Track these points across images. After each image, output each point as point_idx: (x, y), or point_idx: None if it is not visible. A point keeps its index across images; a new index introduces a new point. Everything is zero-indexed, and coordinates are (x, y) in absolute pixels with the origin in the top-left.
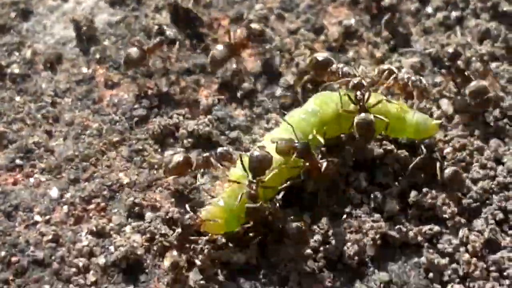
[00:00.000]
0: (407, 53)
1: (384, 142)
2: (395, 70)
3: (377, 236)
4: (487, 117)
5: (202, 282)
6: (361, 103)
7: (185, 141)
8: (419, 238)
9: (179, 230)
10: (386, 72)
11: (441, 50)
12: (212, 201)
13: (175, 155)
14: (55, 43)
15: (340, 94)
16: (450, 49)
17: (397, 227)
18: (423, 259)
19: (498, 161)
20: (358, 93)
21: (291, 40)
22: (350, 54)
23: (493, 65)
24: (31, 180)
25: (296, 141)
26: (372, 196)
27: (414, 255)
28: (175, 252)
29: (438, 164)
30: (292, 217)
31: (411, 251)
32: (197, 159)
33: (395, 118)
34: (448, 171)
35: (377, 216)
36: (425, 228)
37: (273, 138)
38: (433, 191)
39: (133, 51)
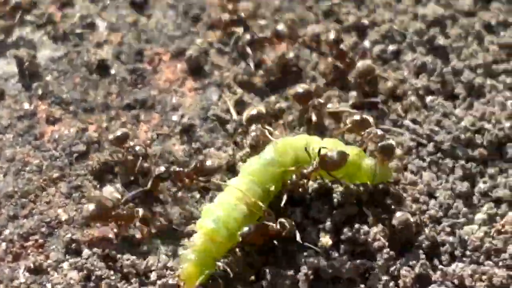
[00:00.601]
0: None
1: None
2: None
3: (310, 272)
4: (420, 151)
5: None
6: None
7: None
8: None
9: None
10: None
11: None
12: (185, 256)
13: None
14: None
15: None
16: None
17: (329, 262)
18: None
19: (431, 195)
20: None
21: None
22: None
23: (428, 99)
24: None
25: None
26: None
27: None
28: None
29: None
30: None
31: (343, 285)
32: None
33: (352, 164)
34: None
35: (310, 251)
36: (357, 262)
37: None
38: (365, 226)
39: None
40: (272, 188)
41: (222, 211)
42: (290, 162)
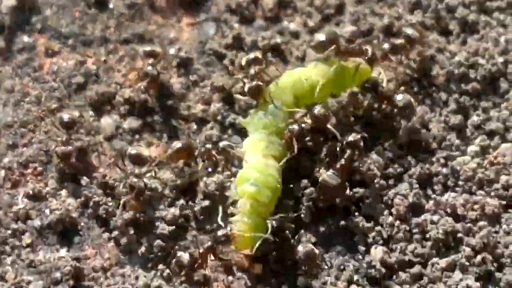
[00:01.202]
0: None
1: None
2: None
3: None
4: (414, 86)
5: None
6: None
7: (121, 108)
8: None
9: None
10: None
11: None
12: (236, 219)
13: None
14: None
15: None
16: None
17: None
18: (349, 222)
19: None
20: None
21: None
22: (285, 23)
23: None
24: None
25: None
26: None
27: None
28: None
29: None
30: None
31: (339, 214)
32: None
33: (336, 75)
34: None
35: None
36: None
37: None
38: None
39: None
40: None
41: (257, 172)
42: (290, 101)
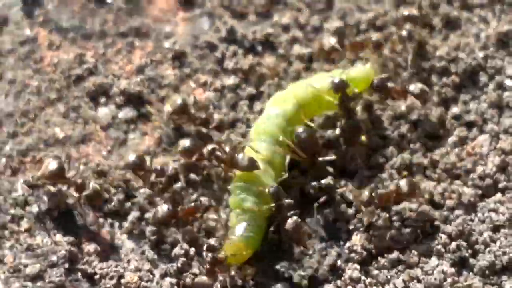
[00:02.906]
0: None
1: None
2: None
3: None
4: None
5: None
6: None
7: (117, 99)
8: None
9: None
10: None
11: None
12: (230, 237)
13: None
14: (2, 6)
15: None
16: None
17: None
18: (332, 210)
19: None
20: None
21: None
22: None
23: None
24: None
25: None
26: None
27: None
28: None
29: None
30: None
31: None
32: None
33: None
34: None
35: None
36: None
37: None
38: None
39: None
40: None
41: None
42: (292, 110)
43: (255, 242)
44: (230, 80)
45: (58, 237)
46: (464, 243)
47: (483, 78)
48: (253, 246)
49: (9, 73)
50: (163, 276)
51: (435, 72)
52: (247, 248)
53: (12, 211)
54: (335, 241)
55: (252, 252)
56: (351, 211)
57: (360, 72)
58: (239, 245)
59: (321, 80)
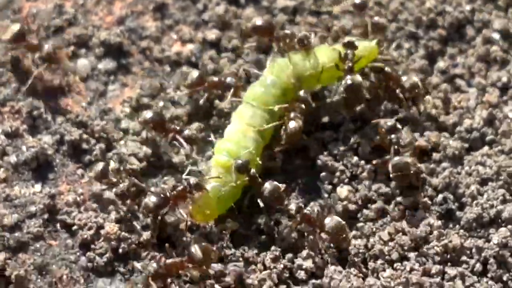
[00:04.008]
0: None
1: None
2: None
3: None
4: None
5: None
6: (349, 64)
7: (97, 50)
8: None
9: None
10: None
11: None
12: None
13: None
14: None
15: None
16: None
17: None
18: (318, 162)
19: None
20: (349, 51)
21: None
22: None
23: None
24: None
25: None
26: None
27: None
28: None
29: None
30: None
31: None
32: None
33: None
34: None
35: None
36: (322, 134)
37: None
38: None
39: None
40: (276, 109)
41: (232, 144)
42: (289, 82)
43: (225, 203)
44: (212, 34)
45: (37, 187)
46: (451, 196)
47: (470, 31)
48: (221, 207)
49: None
50: (144, 227)
51: (422, 25)
52: (216, 204)
53: None
54: (319, 193)
55: (216, 215)
56: (335, 164)
57: (365, 49)
58: (211, 201)
59: (324, 54)
